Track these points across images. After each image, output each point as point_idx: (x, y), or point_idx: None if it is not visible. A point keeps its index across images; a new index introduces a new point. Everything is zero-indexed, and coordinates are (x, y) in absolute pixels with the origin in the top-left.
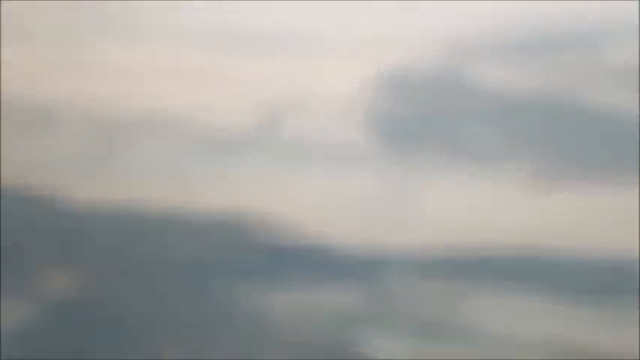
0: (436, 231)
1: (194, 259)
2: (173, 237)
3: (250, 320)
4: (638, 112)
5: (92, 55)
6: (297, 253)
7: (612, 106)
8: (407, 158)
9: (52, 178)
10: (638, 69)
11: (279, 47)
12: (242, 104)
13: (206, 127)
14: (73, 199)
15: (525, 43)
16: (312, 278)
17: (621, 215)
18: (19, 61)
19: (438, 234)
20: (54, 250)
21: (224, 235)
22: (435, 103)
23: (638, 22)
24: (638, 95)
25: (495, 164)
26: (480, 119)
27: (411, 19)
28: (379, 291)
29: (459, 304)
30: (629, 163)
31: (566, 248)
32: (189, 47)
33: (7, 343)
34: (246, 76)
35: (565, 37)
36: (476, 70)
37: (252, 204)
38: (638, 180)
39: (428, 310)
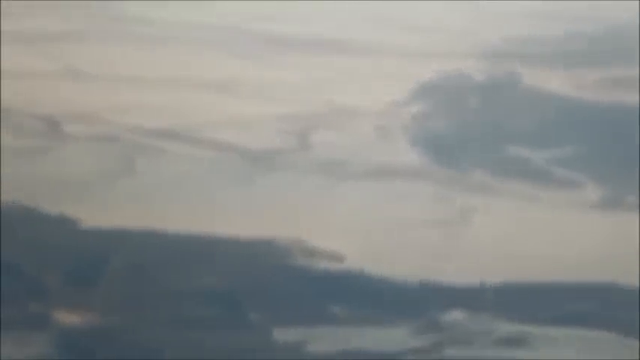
0: (489, 259)
1: (225, 288)
2: (202, 264)
3: (288, 351)
4: None
5: (107, 64)
6: (337, 281)
7: None
8: (455, 179)
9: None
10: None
11: (311, 57)
12: (272, 118)
13: (234, 143)
14: (89, 223)
15: (586, 50)
16: (353, 308)
17: None
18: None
19: (491, 263)
20: (72, 278)
21: (257, 262)
22: (484, 116)
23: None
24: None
25: (555, 185)
26: (535, 133)
27: (455, 27)
28: (427, 324)
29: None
30: None
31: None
32: (215, 56)
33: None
34: (276, 88)
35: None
36: (530, 80)
37: (287, 228)
38: None
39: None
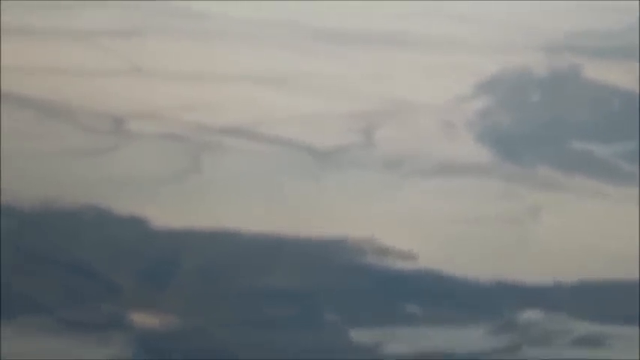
0: (561, 257)
1: (298, 289)
2: (274, 264)
3: (365, 352)
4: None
5: (169, 61)
6: (411, 280)
7: None
8: (522, 175)
9: (133, 199)
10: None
11: (372, 51)
12: (334, 114)
13: (298, 139)
14: (159, 223)
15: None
16: (427, 308)
17: None
18: (90, 70)
19: (563, 260)
20: (145, 279)
21: (331, 261)
22: (547, 111)
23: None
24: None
25: (621, 180)
26: (598, 127)
27: (515, 20)
28: (503, 323)
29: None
30: None
31: None
32: (276, 52)
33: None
34: (337, 84)
35: None
36: (593, 73)
37: (357, 226)
38: None
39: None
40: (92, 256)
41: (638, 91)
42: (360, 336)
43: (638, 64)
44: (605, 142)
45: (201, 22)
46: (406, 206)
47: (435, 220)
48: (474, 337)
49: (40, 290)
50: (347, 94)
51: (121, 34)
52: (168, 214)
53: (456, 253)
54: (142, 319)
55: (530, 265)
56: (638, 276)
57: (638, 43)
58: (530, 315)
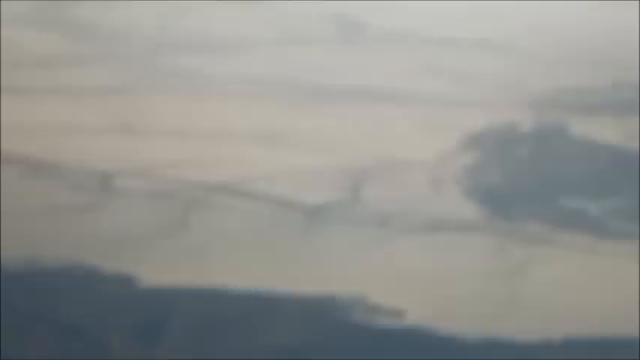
0: (551, 312)
1: (287, 346)
2: (264, 321)
3: None
4: None
5: (157, 118)
6: (399, 338)
7: None
8: (511, 231)
9: (120, 257)
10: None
11: (358, 107)
12: (323, 171)
13: (286, 196)
14: (147, 281)
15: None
16: None
17: None
18: (78, 127)
19: (554, 316)
20: (134, 337)
21: (320, 318)
22: (535, 167)
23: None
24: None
25: (610, 236)
26: (586, 184)
27: (502, 76)
28: None
29: None
30: None
31: None
32: (264, 107)
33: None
34: (325, 139)
35: None
36: (578, 129)
37: (345, 283)
38: None
39: None
40: (79, 314)
41: (624, 147)
42: None
43: (623, 119)
44: (593, 199)
45: (191, 79)
46: (395, 263)
47: (424, 277)
48: None
49: (26, 348)
50: (335, 150)
51: (111, 91)
52: (156, 271)
53: (445, 310)
54: None
55: (519, 322)
56: (629, 332)
57: (623, 99)
58: None
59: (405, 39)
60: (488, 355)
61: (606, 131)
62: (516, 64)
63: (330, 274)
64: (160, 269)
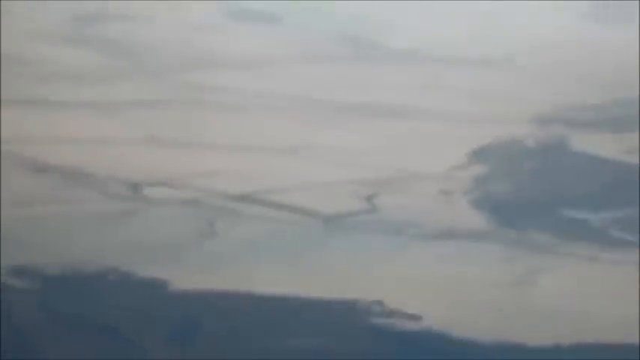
0: (559, 319)
1: (313, 346)
2: (289, 325)
3: None
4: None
5: (186, 131)
6: (417, 341)
7: None
8: (518, 240)
9: (152, 262)
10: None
11: (374, 123)
12: (340, 182)
13: (307, 206)
14: (178, 285)
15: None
16: None
17: None
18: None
19: (561, 323)
20: (167, 341)
21: (343, 322)
22: (538, 180)
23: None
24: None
25: (612, 246)
26: (587, 197)
27: (507, 94)
28: None
29: None
30: None
31: None
32: (287, 123)
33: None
34: (343, 154)
35: None
36: (580, 144)
37: (364, 289)
38: None
39: None
40: (116, 317)
41: (623, 160)
42: None
43: (622, 134)
44: (595, 210)
45: (219, 94)
46: (410, 270)
47: (438, 283)
48: None
49: (65, 351)
50: (351, 163)
51: (142, 105)
52: (187, 276)
53: (459, 314)
54: None
55: (530, 327)
56: (636, 340)
57: (622, 115)
58: None
59: (415, 57)
60: (501, 356)
61: (606, 146)
62: (520, 81)
63: (348, 279)
64: (191, 274)
